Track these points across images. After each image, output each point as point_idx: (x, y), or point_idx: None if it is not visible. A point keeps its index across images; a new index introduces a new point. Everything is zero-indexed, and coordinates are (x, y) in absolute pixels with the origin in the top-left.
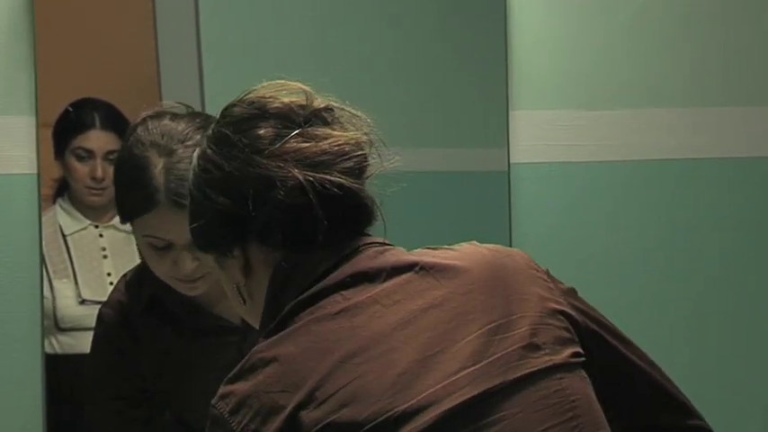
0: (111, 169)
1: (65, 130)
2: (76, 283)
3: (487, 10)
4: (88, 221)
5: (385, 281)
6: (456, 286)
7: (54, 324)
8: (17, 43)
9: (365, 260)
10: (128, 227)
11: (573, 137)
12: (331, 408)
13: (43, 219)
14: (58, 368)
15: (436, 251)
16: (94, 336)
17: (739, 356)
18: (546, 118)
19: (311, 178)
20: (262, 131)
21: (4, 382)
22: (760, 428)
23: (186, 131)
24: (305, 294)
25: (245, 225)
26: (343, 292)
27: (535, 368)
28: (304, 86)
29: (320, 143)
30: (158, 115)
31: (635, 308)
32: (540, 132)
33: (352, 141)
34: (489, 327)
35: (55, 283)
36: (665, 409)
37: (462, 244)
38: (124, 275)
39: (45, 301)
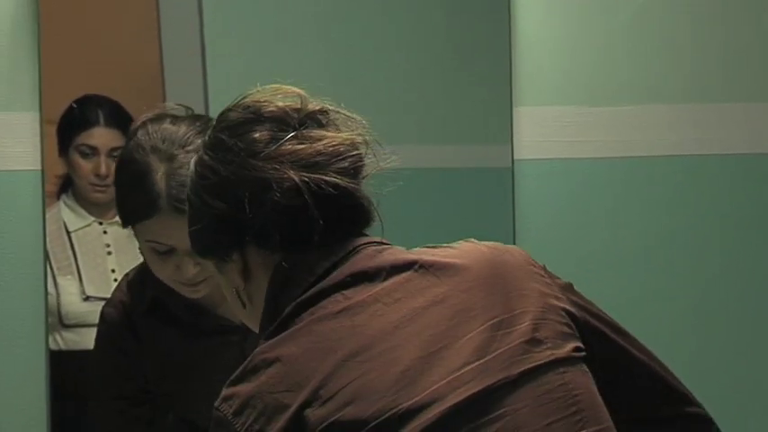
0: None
1: (69, 127)
2: (80, 279)
3: (491, 7)
4: (92, 218)
5: (385, 280)
6: (457, 283)
7: (58, 320)
8: (21, 39)
9: (364, 259)
10: None
11: (576, 133)
12: (336, 406)
13: (47, 215)
14: (62, 364)
15: (435, 249)
16: (97, 335)
17: (742, 353)
18: (549, 114)
19: (307, 179)
20: (257, 135)
21: (9, 378)
22: (762, 424)
23: (187, 136)
24: (305, 295)
25: (242, 229)
26: (343, 292)
27: (538, 363)
28: (298, 90)
29: (315, 144)
30: (159, 118)
31: (638, 303)
32: (544, 129)
33: (347, 142)
34: (491, 323)
35: (59, 279)
36: (666, 400)
37: (461, 242)
38: (126, 274)
39: (49, 297)
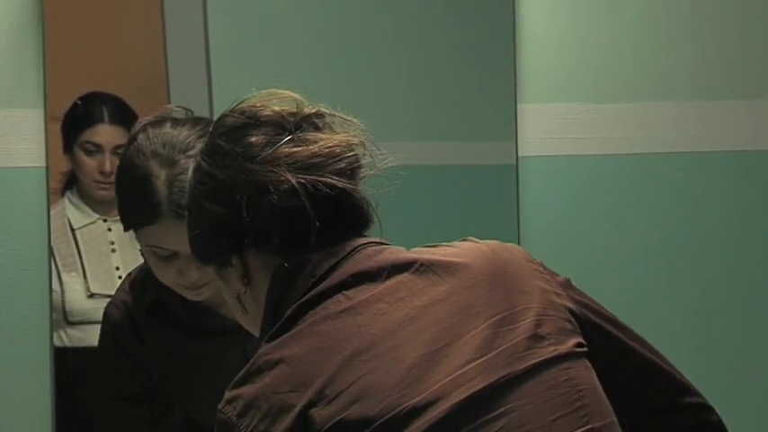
0: None
1: (73, 125)
2: (85, 276)
3: (495, 4)
4: (97, 215)
5: (386, 279)
6: (458, 281)
7: (63, 317)
8: (26, 36)
9: (364, 260)
10: None
11: (581, 130)
12: (341, 405)
13: (52, 212)
14: (67, 361)
15: (435, 248)
16: (100, 335)
17: (745, 350)
18: (554, 111)
19: (303, 181)
20: (253, 139)
21: (14, 374)
22: (765, 424)
23: (188, 140)
24: (306, 296)
25: (241, 233)
26: (345, 292)
27: (542, 358)
28: (294, 94)
29: (311, 147)
30: (159, 122)
31: (641, 300)
32: (548, 126)
33: (344, 143)
34: (494, 319)
35: (64, 276)
36: (667, 392)
37: (460, 241)
38: (129, 274)
39: (54, 294)
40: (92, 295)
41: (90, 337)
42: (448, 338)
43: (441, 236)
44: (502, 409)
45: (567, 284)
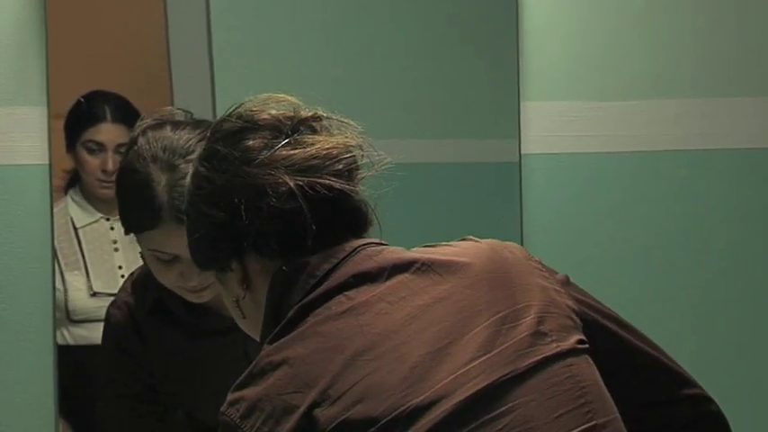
0: None
1: (76, 123)
2: (88, 275)
3: (499, 2)
4: (99, 214)
5: (387, 279)
6: (459, 280)
7: (66, 316)
8: (29, 34)
9: (365, 260)
10: None
11: (584, 128)
12: (345, 404)
13: (54, 210)
14: (70, 359)
15: (435, 248)
16: (103, 335)
17: (748, 348)
18: (557, 109)
19: (301, 183)
20: (251, 143)
21: (17, 372)
22: (767, 422)
23: (188, 144)
24: (307, 298)
25: (240, 236)
26: (346, 293)
27: (544, 355)
28: (291, 98)
29: (308, 149)
30: (159, 125)
31: (644, 297)
32: (551, 123)
33: (341, 145)
34: (496, 317)
35: (66, 275)
36: (667, 386)
37: (459, 240)
38: (131, 274)
39: (57, 293)
40: (94, 294)
41: (93, 334)
42: (450, 337)
43: (443, 233)
44: (506, 407)
45: (566, 282)
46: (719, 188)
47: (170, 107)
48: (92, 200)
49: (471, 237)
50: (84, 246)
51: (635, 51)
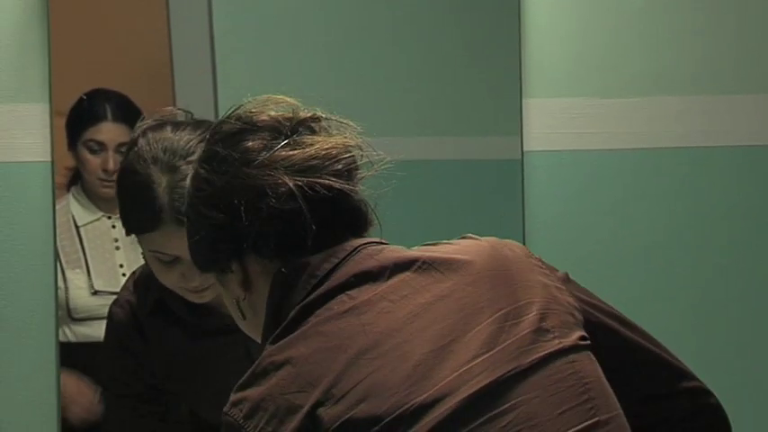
0: None
1: (76, 122)
2: (89, 273)
3: None
4: (101, 212)
5: (389, 278)
6: (461, 278)
7: (67, 314)
8: (31, 30)
9: (366, 259)
10: None
11: (586, 125)
12: (349, 403)
13: (57, 208)
14: (72, 356)
15: (435, 246)
16: (105, 334)
17: (749, 345)
18: (559, 106)
19: (301, 183)
20: (250, 144)
21: (19, 369)
22: None
23: (189, 145)
24: (309, 298)
25: (240, 238)
26: (348, 293)
27: (547, 351)
28: (290, 99)
29: (307, 149)
30: (159, 126)
31: (647, 294)
32: (553, 120)
33: (340, 145)
34: (498, 315)
35: (68, 273)
36: (667, 380)
37: (459, 238)
38: (133, 273)
39: (58, 291)
40: (95, 292)
41: (95, 332)
42: (453, 335)
43: (445, 231)
44: (509, 404)
45: (565, 279)
46: (721, 185)
47: (170, 107)
48: (93, 198)
49: (471, 234)
50: (85, 244)
51: (636, 48)
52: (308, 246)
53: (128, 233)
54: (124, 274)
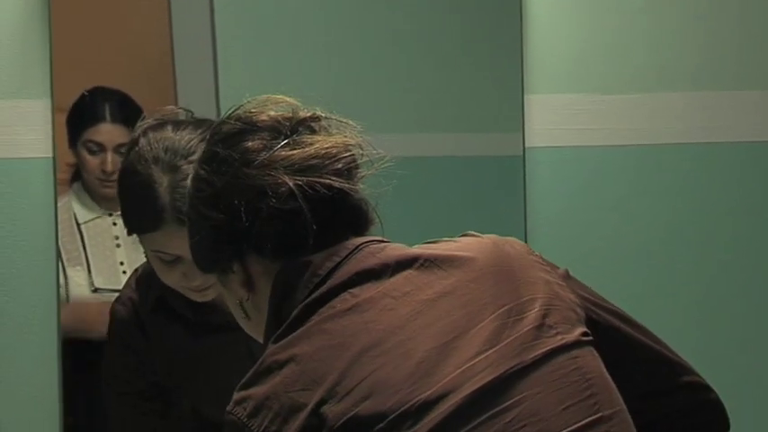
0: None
1: (76, 122)
2: (89, 271)
3: None
4: (102, 210)
5: (391, 276)
6: (464, 274)
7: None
8: (33, 27)
9: (367, 258)
10: None
11: (588, 121)
12: (353, 401)
13: (58, 204)
14: (73, 352)
15: (437, 244)
16: (108, 332)
17: (752, 341)
18: (561, 102)
19: (301, 182)
20: (250, 144)
21: (21, 364)
22: None
23: (189, 145)
24: (311, 297)
25: (241, 238)
26: (351, 291)
27: (549, 347)
28: (289, 99)
29: (307, 149)
30: (160, 125)
31: (649, 291)
32: (555, 117)
33: (340, 144)
34: (501, 311)
35: (68, 270)
36: (668, 377)
37: (460, 235)
38: (136, 270)
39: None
40: (95, 290)
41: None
42: (456, 331)
43: (447, 227)
44: (513, 400)
45: (566, 276)
46: (723, 181)
47: (171, 106)
48: (94, 196)
49: (472, 232)
50: (86, 241)
51: (638, 45)
52: (310, 245)
53: (129, 233)
54: (125, 272)
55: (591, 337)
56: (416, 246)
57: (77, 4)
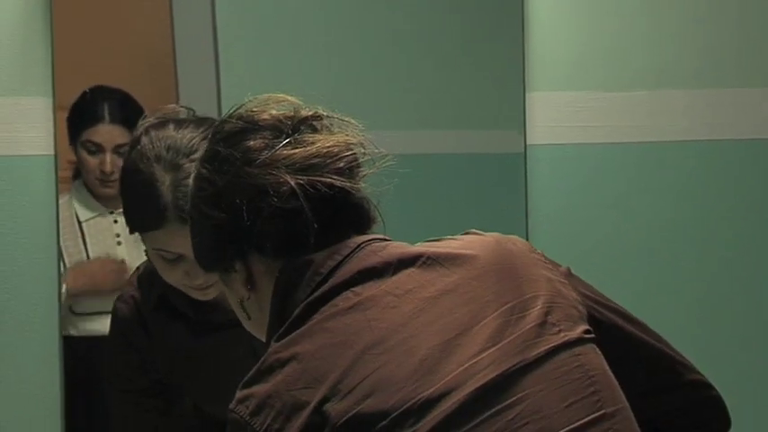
0: (121, 162)
1: (76, 121)
2: None
3: None
4: (103, 208)
5: (394, 274)
6: (466, 272)
7: (69, 310)
8: (34, 24)
9: (370, 256)
10: None
11: (589, 118)
12: (356, 399)
13: (60, 202)
14: (74, 350)
15: (439, 242)
16: (110, 330)
17: (752, 339)
18: (563, 99)
19: (302, 181)
20: (251, 143)
21: (23, 362)
22: None
23: (191, 143)
24: (313, 295)
25: (242, 237)
26: (353, 289)
27: (552, 345)
28: (291, 98)
29: (309, 148)
30: (162, 123)
31: (650, 288)
32: (557, 114)
33: (341, 143)
34: (504, 308)
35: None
36: (669, 375)
37: (462, 234)
38: (137, 268)
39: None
40: None
41: (97, 326)
42: (459, 329)
43: (449, 224)
44: (516, 397)
45: (568, 274)
46: (725, 178)
47: (172, 105)
48: (94, 194)
49: (475, 230)
50: (87, 239)
51: (640, 42)
52: (311, 244)
53: (131, 231)
54: None
55: (593, 335)
56: (418, 244)
57: (80, 2)
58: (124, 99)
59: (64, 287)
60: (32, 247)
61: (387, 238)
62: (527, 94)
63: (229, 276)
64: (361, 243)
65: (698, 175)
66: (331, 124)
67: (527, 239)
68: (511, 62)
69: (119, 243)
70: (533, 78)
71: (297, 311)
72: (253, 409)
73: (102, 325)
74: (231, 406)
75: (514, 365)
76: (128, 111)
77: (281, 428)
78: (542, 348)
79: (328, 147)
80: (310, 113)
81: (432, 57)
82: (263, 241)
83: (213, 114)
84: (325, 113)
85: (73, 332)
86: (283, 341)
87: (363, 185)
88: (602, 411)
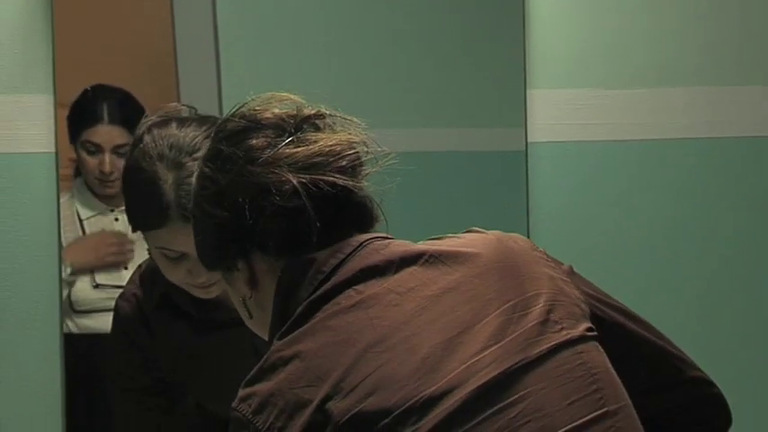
0: (120, 162)
1: (76, 121)
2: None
3: None
4: (104, 206)
5: (396, 272)
6: (468, 270)
7: (69, 307)
8: (36, 22)
9: (372, 254)
10: None
11: (590, 116)
12: (358, 397)
13: (61, 200)
14: (75, 347)
15: (441, 240)
16: (112, 328)
17: (753, 337)
18: (563, 97)
19: (305, 180)
20: (254, 142)
21: (24, 359)
22: None
23: (194, 142)
24: (316, 294)
25: (245, 236)
26: (355, 287)
27: (554, 342)
28: (293, 96)
29: (311, 146)
30: (164, 122)
31: (651, 285)
32: (558, 111)
33: (344, 142)
34: (506, 306)
35: None
36: (670, 373)
37: (464, 231)
38: (139, 266)
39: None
40: (97, 286)
41: (97, 324)
42: (461, 327)
43: (450, 222)
44: (518, 395)
45: (570, 272)
46: (725, 176)
47: (174, 103)
48: (95, 193)
49: (477, 228)
50: None
51: (641, 40)
52: (314, 242)
53: (134, 230)
54: (126, 268)
55: (595, 332)
56: (420, 242)
57: (81, 1)
58: (124, 99)
59: (68, 269)
60: (33, 244)
61: (389, 236)
62: (528, 92)
63: (232, 275)
64: (364, 241)
65: (698, 172)
66: (334, 123)
67: (528, 237)
68: (511, 60)
69: None
70: (534, 76)
71: (299, 310)
72: (255, 408)
73: (104, 322)
74: (234, 404)
75: (516, 363)
76: (127, 111)
77: (283, 427)
78: (544, 346)
79: (331, 145)
80: (313, 112)
81: (432, 55)
82: (266, 240)
83: (214, 114)
84: (327, 112)
85: (74, 329)
86: (286, 339)
87: (366, 184)
88: (605, 409)
